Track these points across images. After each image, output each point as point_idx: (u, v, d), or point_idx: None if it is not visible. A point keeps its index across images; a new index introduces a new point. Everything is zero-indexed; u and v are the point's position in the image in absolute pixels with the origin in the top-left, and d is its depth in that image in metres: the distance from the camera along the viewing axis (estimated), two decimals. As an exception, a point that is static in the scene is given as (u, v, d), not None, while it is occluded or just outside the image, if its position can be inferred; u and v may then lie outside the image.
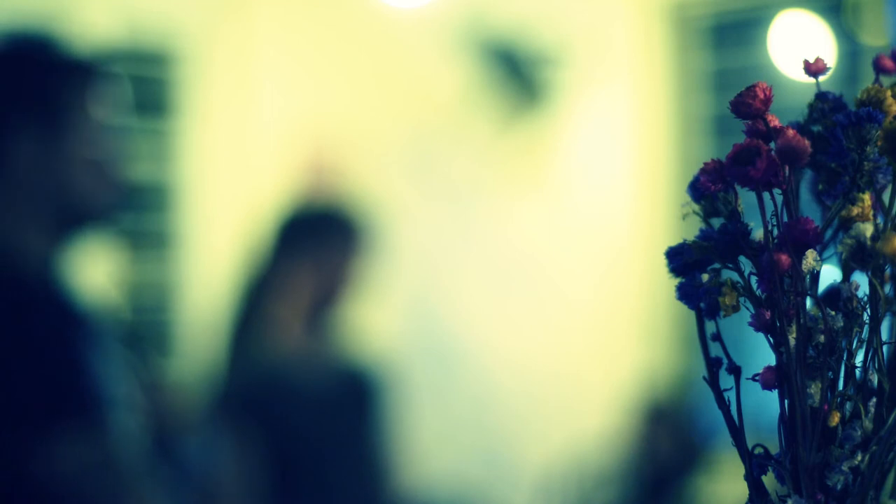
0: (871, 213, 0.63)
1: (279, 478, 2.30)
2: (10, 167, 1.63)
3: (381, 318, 3.56)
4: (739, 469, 0.65)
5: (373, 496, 2.44)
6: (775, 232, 0.61)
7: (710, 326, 0.66)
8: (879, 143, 0.61)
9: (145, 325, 3.71)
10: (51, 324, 1.56)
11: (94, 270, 2.98)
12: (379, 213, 3.50)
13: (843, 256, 0.63)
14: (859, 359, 0.62)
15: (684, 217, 0.66)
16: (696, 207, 0.65)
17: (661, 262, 0.65)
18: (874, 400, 0.62)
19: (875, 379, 0.62)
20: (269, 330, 2.41)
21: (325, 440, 2.37)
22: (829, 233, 0.65)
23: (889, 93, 0.62)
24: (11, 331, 1.54)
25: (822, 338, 0.61)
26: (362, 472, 2.43)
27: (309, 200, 2.90)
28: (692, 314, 0.65)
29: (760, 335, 0.62)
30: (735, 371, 0.65)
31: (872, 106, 0.62)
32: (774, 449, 0.64)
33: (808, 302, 0.62)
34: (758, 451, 0.64)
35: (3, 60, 1.71)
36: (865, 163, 0.62)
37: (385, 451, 2.49)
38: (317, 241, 2.49)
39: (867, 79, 0.68)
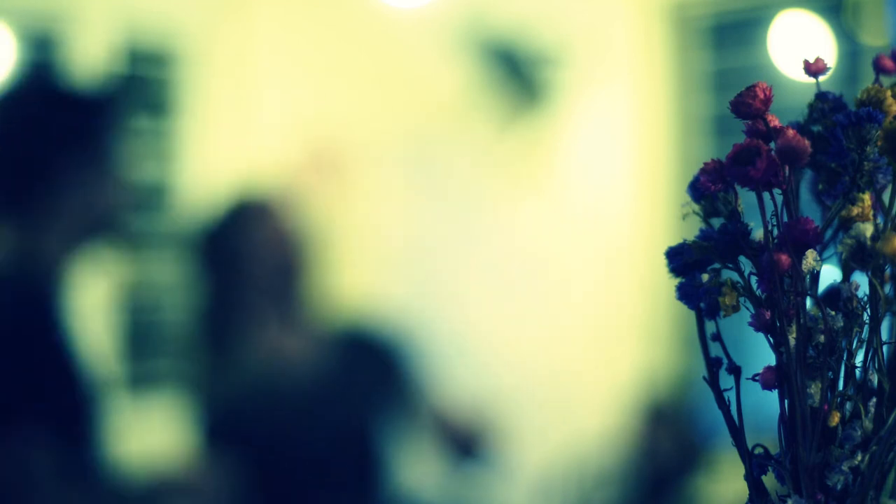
0: (871, 213, 0.63)
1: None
2: (52, 197, 1.87)
3: (379, 318, 3.55)
4: (739, 469, 0.65)
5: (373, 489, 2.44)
6: (775, 232, 0.61)
7: (710, 326, 0.66)
8: (879, 143, 0.60)
9: (145, 326, 3.71)
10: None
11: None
12: (377, 211, 3.50)
13: (843, 256, 0.63)
14: (859, 359, 0.62)
15: (684, 217, 0.66)
16: (696, 207, 0.65)
17: (661, 262, 0.65)
18: (874, 400, 0.62)
19: (875, 379, 0.62)
20: (247, 336, 2.37)
21: (319, 440, 2.37)
22: (829, 233, 0.65)
23: (889, 93, 0.62)
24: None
25: (822, 338, 0.61)
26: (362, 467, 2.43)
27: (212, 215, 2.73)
28: (692, 314, 0.65)
29: (760, 335, 0.62)
30: (735, 371, 0.65)
31: (872, 106, 0.62)
32: (774, 449, 0.64)
33: (808, 302, 0.62)
34: (758, 451, 0.64)
35: (32, 98, 1.94)
36: (865, 163, 0.62)
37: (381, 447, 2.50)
38: (233, 249, 2.42)
39: (867, 79, 0.68)
